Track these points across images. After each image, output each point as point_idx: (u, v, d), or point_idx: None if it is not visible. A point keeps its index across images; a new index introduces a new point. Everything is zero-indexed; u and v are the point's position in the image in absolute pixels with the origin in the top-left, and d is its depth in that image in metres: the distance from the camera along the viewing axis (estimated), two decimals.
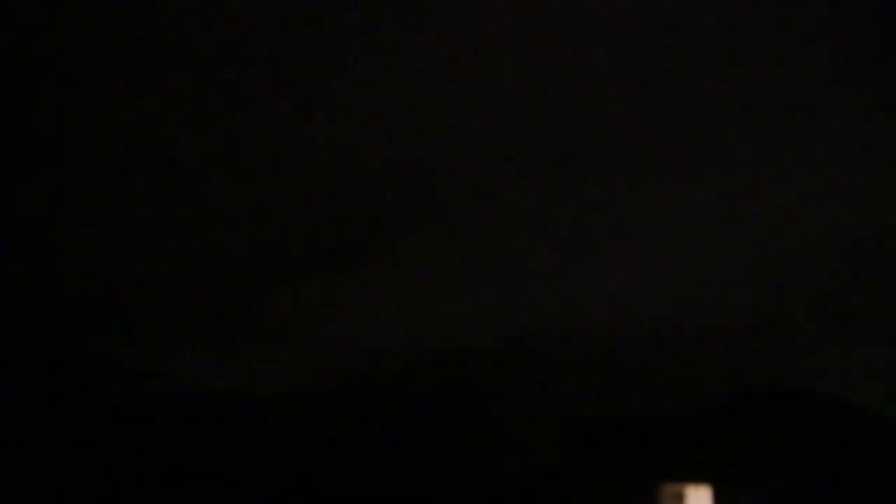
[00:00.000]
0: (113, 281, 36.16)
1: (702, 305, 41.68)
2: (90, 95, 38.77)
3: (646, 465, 23.01)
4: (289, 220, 41.67)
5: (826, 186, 41.74)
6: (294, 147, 41.83)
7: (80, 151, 38.68)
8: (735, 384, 30.02)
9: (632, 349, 39.04)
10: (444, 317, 42.28)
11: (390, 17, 39.74)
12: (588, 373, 37.51)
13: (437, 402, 38.05)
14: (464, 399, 38.12)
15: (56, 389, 23.44)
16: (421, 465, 34.07)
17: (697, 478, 22.77)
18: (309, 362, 39.35)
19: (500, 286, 42.91)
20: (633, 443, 23.65)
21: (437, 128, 43.43)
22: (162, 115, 39.88)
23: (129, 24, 36.76)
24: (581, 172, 43.83)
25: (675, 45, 40.46)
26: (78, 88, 38.22)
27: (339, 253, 43.69)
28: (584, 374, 37.47)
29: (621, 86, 43.19)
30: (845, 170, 41.44)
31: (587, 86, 42.46)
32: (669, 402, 30.91)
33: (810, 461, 22.81)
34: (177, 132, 41.14)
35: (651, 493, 22.90)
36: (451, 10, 38.53)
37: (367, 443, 35.48)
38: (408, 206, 44.76)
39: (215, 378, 34.28)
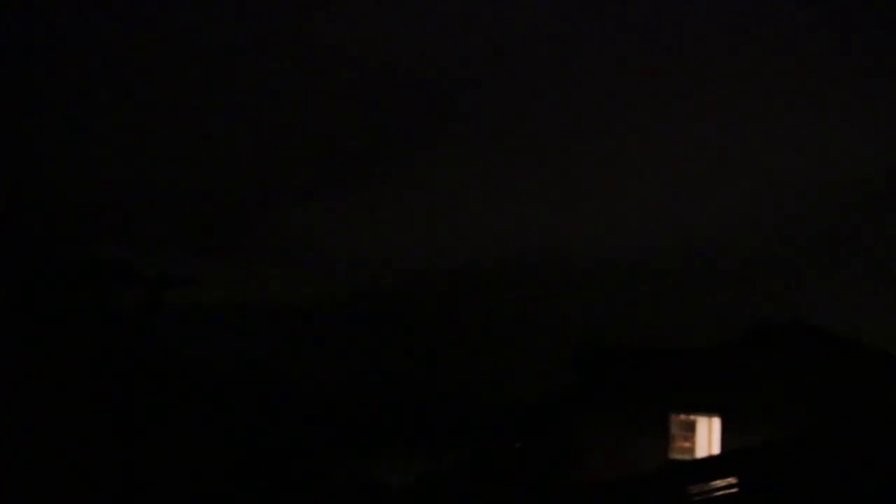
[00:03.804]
0: (131, 190, 35.97)
1: (706, 240, 41.58)
2: (106, 12, 38.11)
3: (657, 394, 23.24)
4: (300, 136, 41.26)
5: (826, 127, 41.26)
6: (308, 62, 41.24)
7: (97, 62, 38.12)
8: (741, 318, 30.04)
9: (641, 280, 39.03)
10: (454, 235, 42.10)
11: None
12: (598, 301, 37.58)
13: (447, 319, 38.16)
14: (474, 316, 38.21)
15: (73, 293, 23.51)
16: (431, 381, 34.33)
17: (707, 409, 23.03)
18: (322, 274, 39.31)
19: (513, 209, 42.69)
20: (646, 373, 23.82)
21: (448, 48, 42.70)
22: (177, 28, 39.20)
23: None
24: (593, 104, 43.28)
25: None
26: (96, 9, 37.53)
27: (349, 169, 43.31)
28: (594, 302, 37.55)
29: (627, 18, 42.43)
30: (844, 115, 40.91)
31: (593, 15, 41.69)
32: (679, 334, 31.10)
33: (815, 393, 23.02)
34: (191, 46, 40.47)
35: (662, 422, 23.17)
36: None
37: (381, 357, 35.68)
38: (417, 127, 44.30)
39: (227, 287, 34.29)
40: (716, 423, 22.94)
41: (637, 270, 39.62)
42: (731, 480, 15.29)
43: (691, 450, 22.88)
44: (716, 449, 22.54)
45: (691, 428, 23.15)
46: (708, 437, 22.93)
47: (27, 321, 23.07)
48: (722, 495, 15.50)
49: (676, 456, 22.79)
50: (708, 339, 25.57)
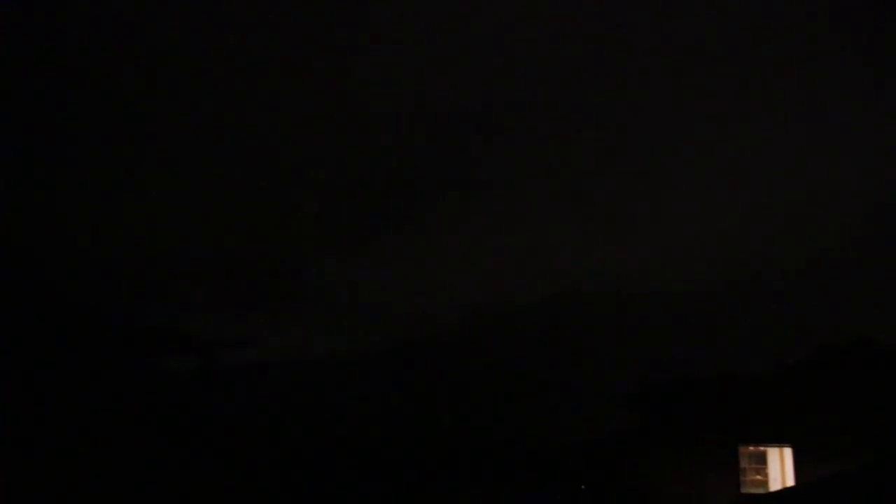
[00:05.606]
0: (175, 259, 36.20)
1: (756, 263, 40.82)
2: (104, 65, 38.51)
3: (724, 426, 22.59)
4: (325, 191, 41.34)
5: (865, 144, 40.51)
6: (333, 122, 41.38)
7: (131, 131, 38.52)
8: (801, 342, 29.25)
9: (696, 308, 38.38)
10: (495, 279, 41.75)
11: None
12: (652, 333, 36.98)
13: (498, 361, 37.74)
14: (526, 357, 37.77)
15: (128, 362, 23.51)
16: (486, 426, 33.87)
17: (777, 439, 22.30)
18: (367, 325, 39.13)
19: (556, 244, 42.30)
20: (710, 404, 23.18)
21: (469, 98, 42.64)
22: (197, 83, 39.49)
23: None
24: (634, 132, 42.88)
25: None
26: (89, 56, 37.98)
27: (384, 220, 43.22)
28: (648, 335, 36.96)
29: (645, 44, 42.08)
30: (882, 130, 40.14)
31: (608, 41, 41.39)
32: (742, 360, 30.38)
33: (887, 414, 22.18)
34: (219, 105, 40.77)
35: (731, 454, 22.49)
36: None
37: (435, 402, 35.33)
38: (447, 173, 44.15)
39: (275, 346, 34.24)
40: (787, 453, 22.19)
41: (687, 299, 38.93)
42: None
43: (764, 483, 22.15)
44: (790, 481, 21.81)
45: (762, 460, 22.43)
46: (781, 468, 22.20)
47: (83, 392, 23.07)
48: None
49: (750, 490, 22.08)
50: (768, 365, 24.85)
